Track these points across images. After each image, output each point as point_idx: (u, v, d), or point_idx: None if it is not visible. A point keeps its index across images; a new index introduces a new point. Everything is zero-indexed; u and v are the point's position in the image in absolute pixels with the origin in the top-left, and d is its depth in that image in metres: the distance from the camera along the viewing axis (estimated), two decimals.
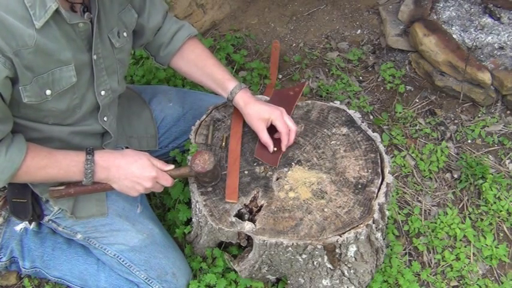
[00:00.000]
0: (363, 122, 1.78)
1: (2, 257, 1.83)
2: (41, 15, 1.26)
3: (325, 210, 1.57)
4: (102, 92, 1.56)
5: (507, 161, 2.34)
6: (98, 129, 1.63)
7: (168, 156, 1.95)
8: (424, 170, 2.29)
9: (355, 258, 1.62)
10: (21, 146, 1.41)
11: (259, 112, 1.70)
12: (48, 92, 1.38)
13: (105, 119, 1.62)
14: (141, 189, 1.56)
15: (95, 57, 1.47)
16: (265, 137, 1.69)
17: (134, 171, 1.53)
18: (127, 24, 1.60)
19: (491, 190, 2.19)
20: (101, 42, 1.48)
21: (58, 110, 1.46)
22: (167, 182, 1.59)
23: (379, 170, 1.65)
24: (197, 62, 1.79)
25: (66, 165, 1.47)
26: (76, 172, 1.49)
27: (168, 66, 1.85)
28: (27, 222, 1.76)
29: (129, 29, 1.62)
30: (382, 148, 1.70)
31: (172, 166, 1.61)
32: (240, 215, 1.59)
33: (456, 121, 2.47)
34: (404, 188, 2.24)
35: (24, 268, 1.84)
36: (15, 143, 1.40)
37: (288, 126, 1.68)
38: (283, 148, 1.70)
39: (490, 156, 2.35)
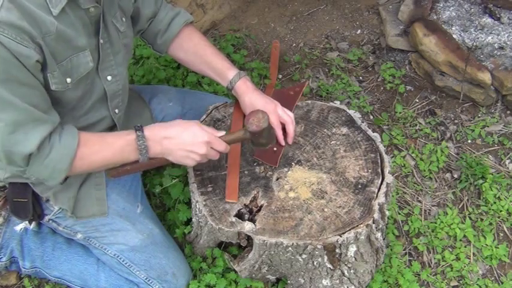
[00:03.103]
0: (363, 122, 1.78)
1: (2, 257, 1.83)
2: (57, 2, 1.29)
3: (325, 210, 1.57)
4: (109, 77, 1.55)
5: (507, 161, 2.34)
6: (107, 121, 1.63)
7: None
8: (424, 170, 2.29)
9: (355, 258, 1.62)
10: (73, 132, 1.41)
11: (253, 103, 1.70)
12: (68, 80, 1.40)
13: (116, 111, 1.62)
14: (196, 157, 1.51)
15: (101, 41, 1.48)
16: None
17: (186, 139, 1.49)
18: (125, 10, 1.61)
19: (491, 190, 2.19)
20: (106, 27, 1.49)
21: (76, 97, 1.46)
22: (221, 146, 1.53)
23: (379, 170, 1.65)
24: (196, 50, 1.79)
25: (119, 146, 1.46)
26: (130, 151, 1.47)
27: (166, 53, 1.85)
28: (27, 222, 1.76)
29: (127, 14, 1.63)
30: (382, 148, 1.70)
31: (224, 132, 1.57)
32: (240, 215, 1.59)
33: (456, 121, 2.47)
34: (404, 188, 2.24)
35: (24, 268, 1.84)
36: (67, 130, 1.41)
37: (279, 119, 1.68)
38: (281, 141, 1.70)
39: (490, 156, 2.35)
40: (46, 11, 1.28)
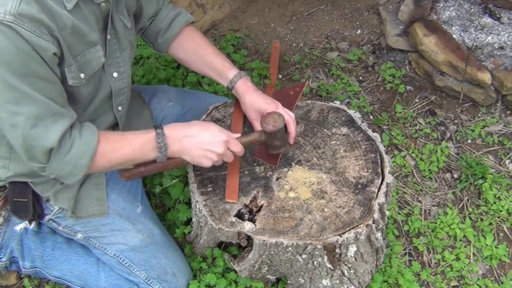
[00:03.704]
0: (363, 122, 1.78)
1: (2, 257, 1.83)
2: None
3: (325, 210, 1.57)
4: (115, 74, 1.56)
5: (507, 161, 2.34)
6: (110, 119, 1.63)
7: None
8: (424, 170, 2.29)
9: (355, 258, 1.62)
10: (92, 129, 1.42)
11: (254, 103, 1.70)
12: (82, 75, 1.40)
13: (119, 108, 1.63)
14: (213, 157, 1.52)
15: (108, 37, 1.49)
16: (258, 126, 1.70)
17: (205, 137, 1.50)
18: (128, 7, 1.61)
19: (491, 190, 2.19)
20: (114, 22, 1.50)
21: (87, 93, 1.47)
22: (237, 147, 1.55)
23: (379, 170, 1.65)
24: (196, 50, 1.79)
25: (139, 143, 1.47)
26: (150, 149, 1.47)
27: (167, 53, 1.85)
28: (27, 222, 1.76)
29: (130, 12, 1.63)
30: (382, 148, 1.70)
31: (239, 134, 1.60)
32: (240, 215, 1.59)
33: (456, 121, 2.47)
34: (404, 188, 2.24)
35: (24, 268, 1.84)
36: (86, 127, 1.42)
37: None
38: (291, 140, 1.71)
39: (490, 156, 2.35)
40: (61, 5, 1.28)
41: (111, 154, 1.45)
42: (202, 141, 1.50)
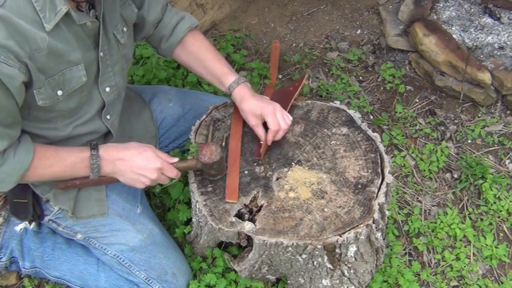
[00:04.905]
0: (363, 122, 1.78)
1: (2, 257, 1.83)
2: (51, 17, 1.26)
3: (325, 210, 1.57)
4: (107, 89, 1.55)
5: (507, 161, 2.34)
6: (101, 128, 1.62)
7: None
8: (424, 170, 2.29)
9: (355, 258, 1.62)
10: (28, 147, 1.41)
11: (252, 108, 1.70)
12: (59, 92, 1.39)
13: (108, 117, 1.62)
14: (146, 181, 1.55)
15: (101, 54, 1.48)
16: (260, 132, 1.70)
17: (139, 163, 1.53)
18: (127, 19, 1.60)
19: (491, 190, 2.19)
20: (106, 39, 1.49)
21: (68, 108, 1.46)
22: (172, 173, 1.58)
23: (379, 170, 1.65)
24: (198, 55, 1.79)
25: (72, 162, 1.48)
26: (82, 168, 1.49)
27: (170, 57, 1.85)
28: (27, 222, 1.76)
29: (129, 24, 1.62)
30: (382, 148, 1.70)
31: (177, 159, 1.61)
32: (240, 215, 1.59)
33: (456, 121, 2.47)
34: (404, 188, 2.24)
35: (24, 268, 1.84)
36: (23, 144, 1.40)
37: (278, 125, 1.68)
38: (268, 142, 1.70)
39: (490, 156, 2.35)
40: (38, 27, 1.26)
41: (42, 170, 1.45)
42: (135, 166, 1.53)
